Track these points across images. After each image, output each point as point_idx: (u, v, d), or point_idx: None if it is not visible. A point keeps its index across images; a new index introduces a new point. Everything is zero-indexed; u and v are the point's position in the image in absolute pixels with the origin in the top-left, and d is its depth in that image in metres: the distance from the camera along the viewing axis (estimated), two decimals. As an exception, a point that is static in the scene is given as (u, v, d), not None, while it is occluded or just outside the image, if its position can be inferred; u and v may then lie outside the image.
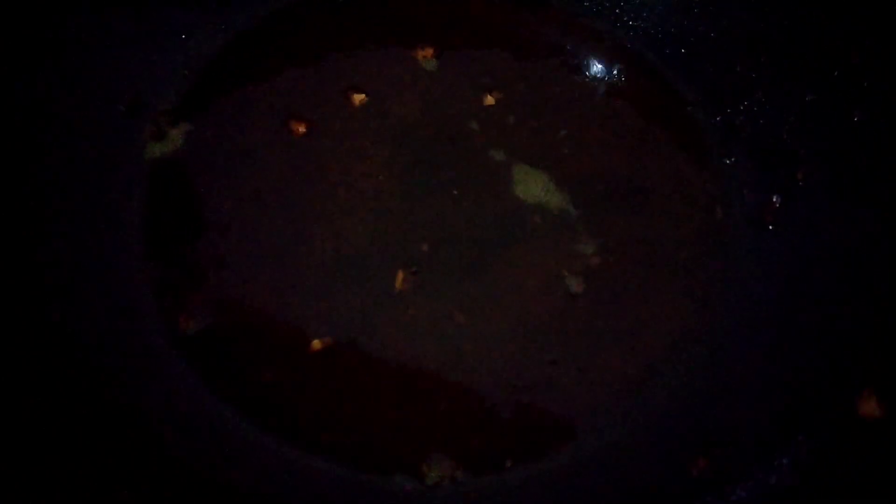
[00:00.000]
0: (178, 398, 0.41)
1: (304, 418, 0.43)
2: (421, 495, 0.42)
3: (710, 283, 0.50)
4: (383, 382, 0.44)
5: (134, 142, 0.50)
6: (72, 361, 0.40)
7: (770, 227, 0.51)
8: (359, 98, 0.53)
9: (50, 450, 0.36)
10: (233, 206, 0.49)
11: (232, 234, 0.48)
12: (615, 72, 0.57)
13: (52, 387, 0.39)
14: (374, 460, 0.42)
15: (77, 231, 0.46)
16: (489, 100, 0.54)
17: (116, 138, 0.49)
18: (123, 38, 0.51)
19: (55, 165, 0.46)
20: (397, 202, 0.50)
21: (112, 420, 0.39)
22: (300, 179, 0.50)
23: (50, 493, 0.35)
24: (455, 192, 0.51)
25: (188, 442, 0.39)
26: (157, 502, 0.36)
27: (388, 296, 0.47)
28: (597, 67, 0.57)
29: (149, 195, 0.48)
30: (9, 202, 0.43)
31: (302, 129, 0.51)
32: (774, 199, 0.51)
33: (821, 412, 0.43)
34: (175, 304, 0.45)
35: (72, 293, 0.43)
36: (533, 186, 0.51)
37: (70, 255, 0.44)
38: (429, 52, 0.55)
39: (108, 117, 0.49)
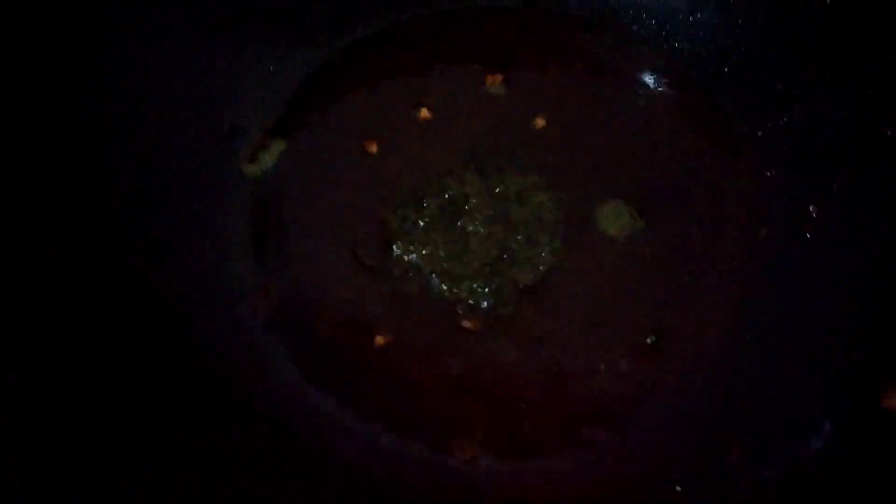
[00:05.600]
0: (265, 371, 0.49)
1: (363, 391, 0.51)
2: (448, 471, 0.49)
3: (751, 286, 0.54)
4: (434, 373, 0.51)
5: (234, 160, 0.58)
6: (184, 340, 0.50)
7: (807, 235, 0.54)
8: (425, 115, 0.59)
9: (170, 411, 0.45)
10: (315, 214, 0.56)
11: (314, 237, 0.55)
12: (663, 89, 0.61)
13: (171, 360, 0.48)
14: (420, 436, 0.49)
15: (187, 234, 0.54)
16: (540, 122, 0.59)
17: (219, 157, 0.58)
18: (224, 75, 0.59)
19: (172, 178, 0.55)
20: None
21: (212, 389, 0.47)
22: (372, 190, 0.57)
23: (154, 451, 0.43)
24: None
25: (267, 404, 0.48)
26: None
27: (446, 304, 0.53)
28: (646, 86, 0.62)
29: (246, 204, 0.56)
30: (131, 209, 0.53)
31: (374, 147, 0.58)
32: (811, 209, 0.55)
33: (846, 405, 0.46)
34: (264, 294, 0.53)
35: (183, 284, 0.52)
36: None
37: (182, 252, 0.53)
38: (498, 77, 0.61)
39: (213, 140, 0.58)
